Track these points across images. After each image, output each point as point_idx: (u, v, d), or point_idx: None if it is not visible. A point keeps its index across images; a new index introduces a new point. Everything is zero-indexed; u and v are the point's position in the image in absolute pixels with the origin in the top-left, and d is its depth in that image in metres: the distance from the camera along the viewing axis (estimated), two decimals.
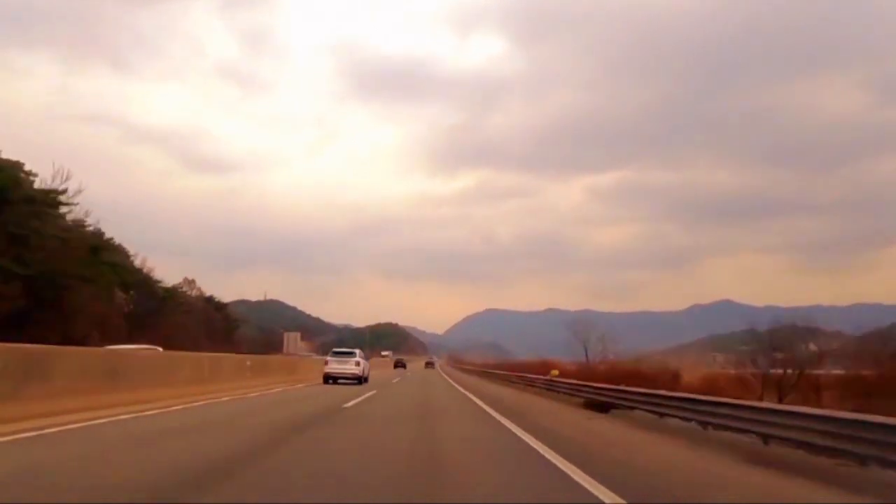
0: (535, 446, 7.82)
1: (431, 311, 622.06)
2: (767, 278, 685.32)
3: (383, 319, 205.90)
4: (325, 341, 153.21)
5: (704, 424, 9.87)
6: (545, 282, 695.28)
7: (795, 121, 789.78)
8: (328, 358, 26.03)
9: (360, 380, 24.78)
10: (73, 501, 4.29)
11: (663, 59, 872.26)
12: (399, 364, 66.80)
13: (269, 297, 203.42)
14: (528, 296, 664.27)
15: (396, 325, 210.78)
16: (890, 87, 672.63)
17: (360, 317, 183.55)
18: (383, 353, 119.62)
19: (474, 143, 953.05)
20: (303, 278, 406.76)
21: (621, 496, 4.77)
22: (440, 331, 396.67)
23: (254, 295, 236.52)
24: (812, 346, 31.91)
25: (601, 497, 4.76)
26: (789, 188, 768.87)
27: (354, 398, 15.93)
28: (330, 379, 24.38)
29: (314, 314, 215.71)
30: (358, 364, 25.00)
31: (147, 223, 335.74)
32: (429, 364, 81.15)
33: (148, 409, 10.47)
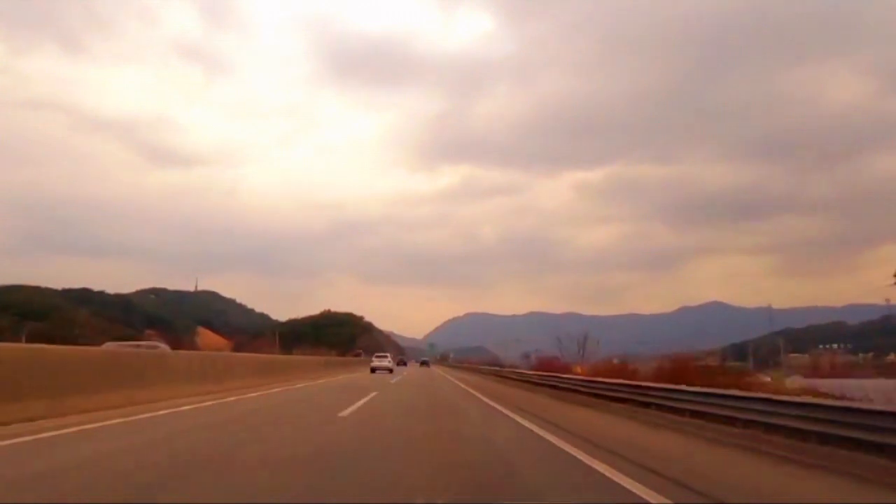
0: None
1: (412, 315, 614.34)
2: (758, 280, 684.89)
3: (344, 311, 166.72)
4: (240, 339, 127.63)
5: None
6: (529, 284, 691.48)
7: (793, 112, 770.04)
8: (373, 358, 43.27)
9: (390, 370, 40.20)
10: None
11: (659, 42, 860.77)
12: (401, 362, 72.11)
13: (200, 288, 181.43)
14: (511, 299, 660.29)
15: (362, 318, 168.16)
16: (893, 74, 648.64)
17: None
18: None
19: (459, 134, 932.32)
20: (270, 280, 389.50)
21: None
22: (419, 335, 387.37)
23: (182, 285, 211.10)
24: None
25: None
26: (781, 185, 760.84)
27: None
28: (375, 370, 38.86)
29: (259, 310, 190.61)
30: (390, 361, 43.24)
31: (105, 221, 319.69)
32: (423, 363, 79.81)
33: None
